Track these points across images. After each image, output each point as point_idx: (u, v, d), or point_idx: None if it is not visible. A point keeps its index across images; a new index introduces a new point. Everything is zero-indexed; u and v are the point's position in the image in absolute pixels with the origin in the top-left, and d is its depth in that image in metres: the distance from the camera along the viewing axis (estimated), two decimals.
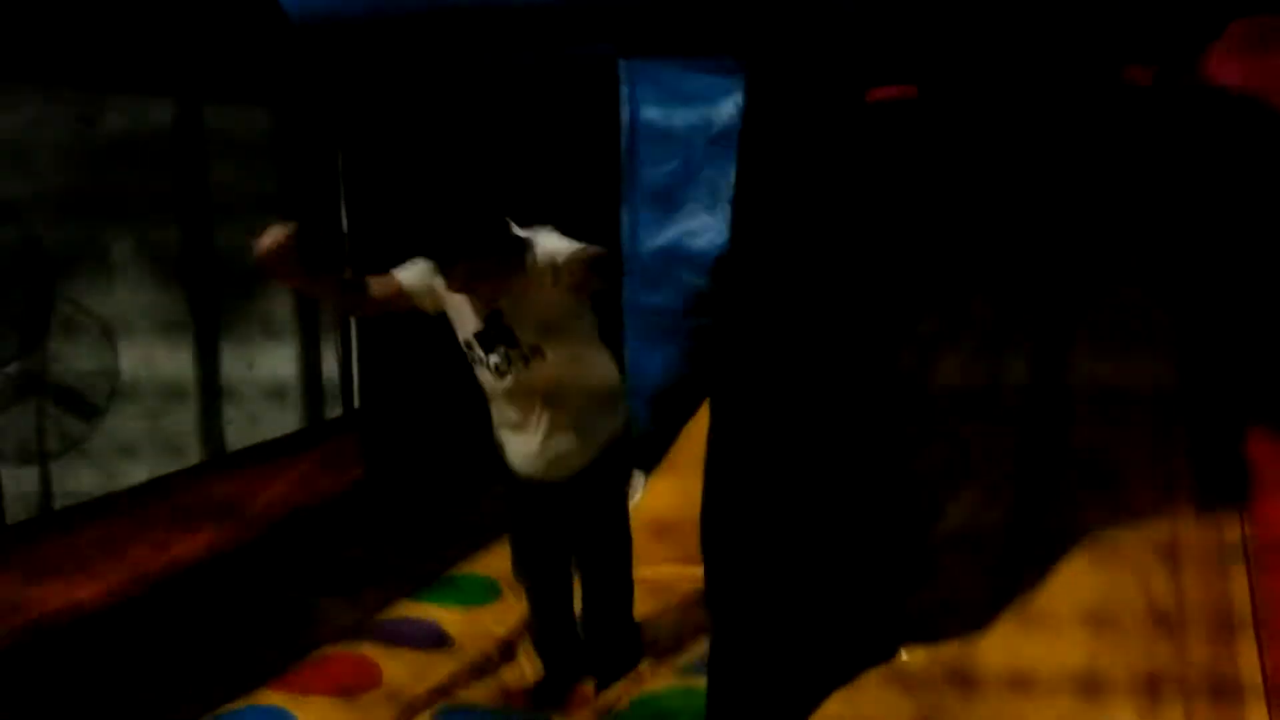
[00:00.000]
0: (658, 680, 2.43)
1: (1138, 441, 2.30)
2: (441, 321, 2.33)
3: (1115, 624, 2.06)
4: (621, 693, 2.40)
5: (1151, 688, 1.95)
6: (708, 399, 3.29)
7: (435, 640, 2.67)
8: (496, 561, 2.96)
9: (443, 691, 2.44)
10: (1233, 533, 2.16)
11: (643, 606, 2.58)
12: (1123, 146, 2.65)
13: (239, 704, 2.31)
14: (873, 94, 3.02)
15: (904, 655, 2.17)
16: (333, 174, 3.51)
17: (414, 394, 3.45)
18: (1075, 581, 2.13)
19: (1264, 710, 1.90)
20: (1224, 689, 1.93)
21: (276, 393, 3.48)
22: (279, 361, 3.50)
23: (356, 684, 2.43)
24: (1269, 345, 2.23)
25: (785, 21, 2.13)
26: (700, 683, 2.30)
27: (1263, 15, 2.42)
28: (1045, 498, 2.31)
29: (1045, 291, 2.55)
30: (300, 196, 3.52)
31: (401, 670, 2.49)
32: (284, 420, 3.53)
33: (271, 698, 2.34)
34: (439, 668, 2.54)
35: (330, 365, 3.60)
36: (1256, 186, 2.30)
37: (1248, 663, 1.97)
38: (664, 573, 2.87)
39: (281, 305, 3.54)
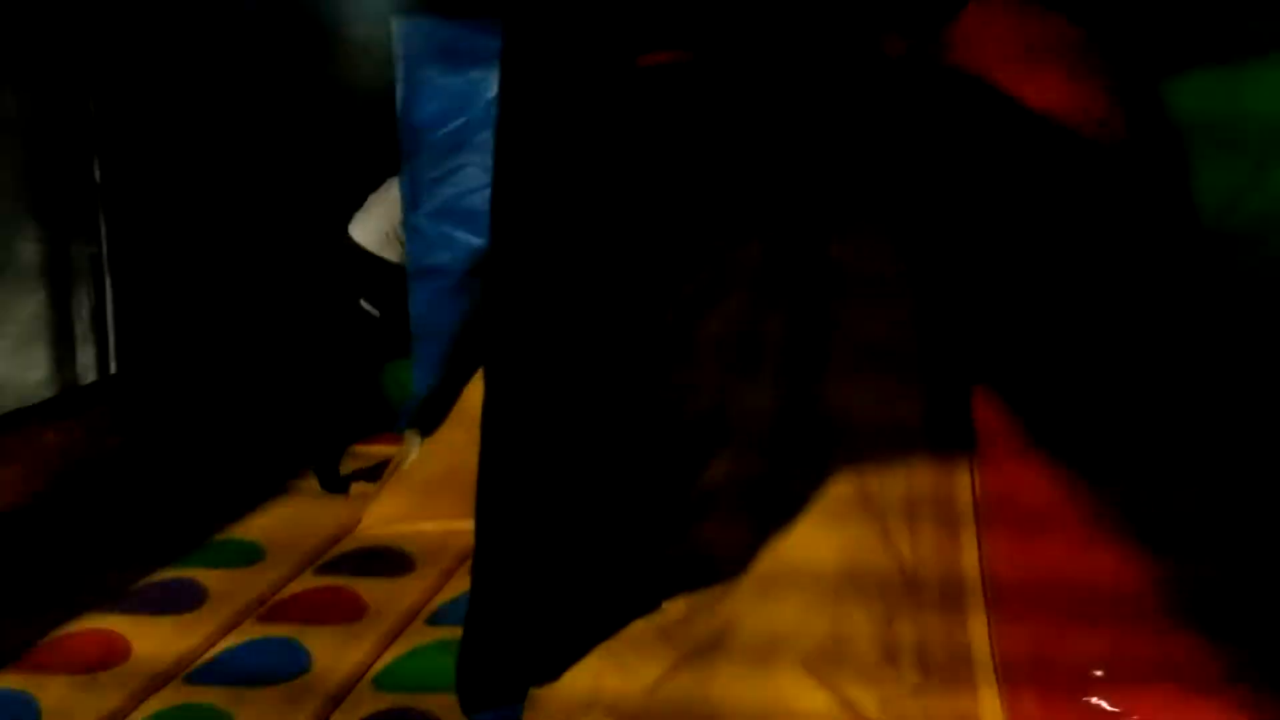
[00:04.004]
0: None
1: (879, 398, 2.40)
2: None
3: (860, 586, 2.11)
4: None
5: (889, 656, 2.01)
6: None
7: (191, 600, 2.59)
8: (262, 523, 3.00)
9: (196, 654, 2.37)
10: (964, 492, 2.26)
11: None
12: (877, 113, 2.76)
13: None
14: (645, 59, 3.07)
15: (665, 607, 2.21)
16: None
17: (178, 357, 3.34)
18: (821, 540, 2.19)
19: (992, 685, 1.97)
20: (956, 660, 2.00)
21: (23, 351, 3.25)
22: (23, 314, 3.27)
23: (102, 660, 2.33)
24: (996, 307, 2.36)
25: None
26: (442, 633, 2.40)
27: None
28: (798, 453, 2.38)
29: (803, 250, 2.63)
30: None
31: (152, 640, 2.41)
32: (31, 379, 3.31)
33: (9, 681, 2.22)
34: (195, 629, 2.46)
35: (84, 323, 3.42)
36: (980, 164, 2.45)
37: (978, 635, 2.05)
38: (429, 529, 2.93)
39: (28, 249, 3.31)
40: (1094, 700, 1.79)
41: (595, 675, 2.08)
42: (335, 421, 3.37)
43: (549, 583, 2.09)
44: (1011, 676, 1.95)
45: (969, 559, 2.15)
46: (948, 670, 2.00)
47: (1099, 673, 1.80)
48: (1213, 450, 2.04)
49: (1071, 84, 2.41)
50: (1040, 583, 1.90)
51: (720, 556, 2.25)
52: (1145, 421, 2.05)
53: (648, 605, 2.21)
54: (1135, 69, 2.49)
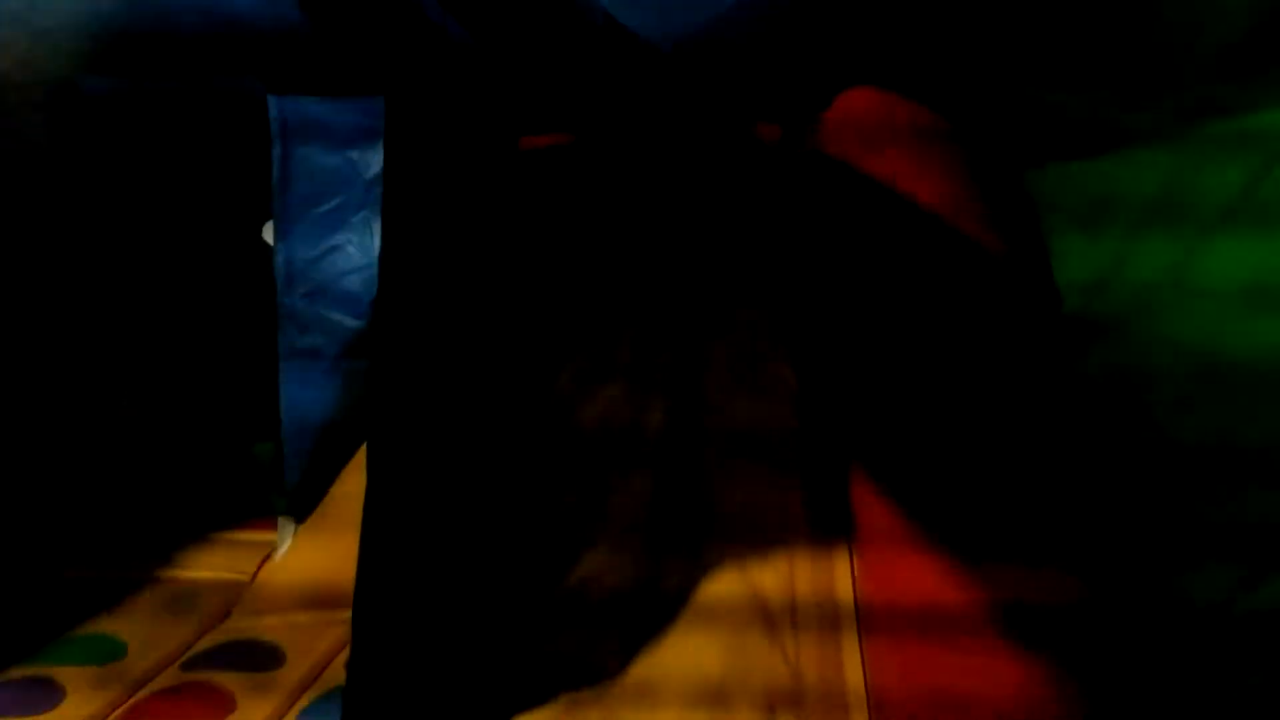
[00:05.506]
0: None
1: (758, 488, 2.42)
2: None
3: (742, 693, 2.10)
4: None
5: None
6: (362, 447, 3.28)
7: (46, 700, 2.46)
8: (125, 615, 2.84)
9: None
10: (845, 589, 2.29)
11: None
12: (753, 198, 2.83)
13: None
14: (528, 141, 3.10)
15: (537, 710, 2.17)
16: None
17: (36, 438, 3.21)
18: (701, 644, 2.18)
19: None
20: None
21: None
22: None
23: None
24: (871, 394, 2.42)
25: (422, 68, 2.16)
26: None
27: (869, 88, 2.68)
28: (674, 548, 2.38)
29: (682, 336, 2.66)
30: None
31: None
32: None
33: None
34: None
35: None
36: (857, 250, 2.52)
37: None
38: (302, 620, 2.84)
39: None
40: None
41: None
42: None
43: (429, 676, 2.05)
44: None
45: (851, 664, 2.16)
46: None
47: None
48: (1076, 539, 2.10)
49: (931, 169, 2.51)
50: (925, 694, 1.92)
51: (593, 660, 2.23)
52: (1012, 510, 2.10)
53: (529, 702, 2.18)
54: (997, 157, 2.60)
